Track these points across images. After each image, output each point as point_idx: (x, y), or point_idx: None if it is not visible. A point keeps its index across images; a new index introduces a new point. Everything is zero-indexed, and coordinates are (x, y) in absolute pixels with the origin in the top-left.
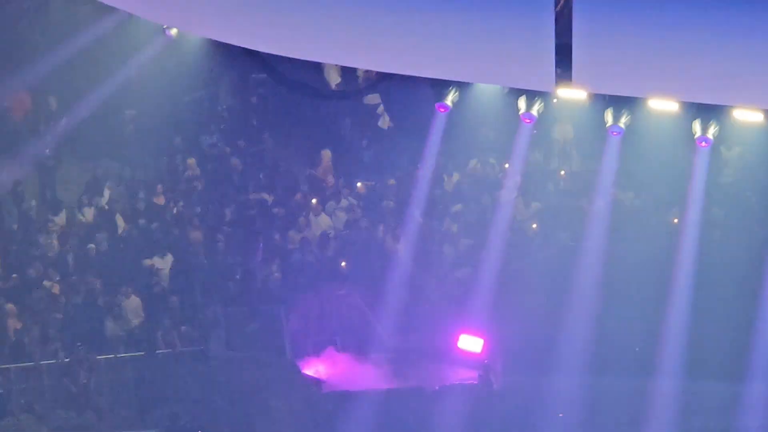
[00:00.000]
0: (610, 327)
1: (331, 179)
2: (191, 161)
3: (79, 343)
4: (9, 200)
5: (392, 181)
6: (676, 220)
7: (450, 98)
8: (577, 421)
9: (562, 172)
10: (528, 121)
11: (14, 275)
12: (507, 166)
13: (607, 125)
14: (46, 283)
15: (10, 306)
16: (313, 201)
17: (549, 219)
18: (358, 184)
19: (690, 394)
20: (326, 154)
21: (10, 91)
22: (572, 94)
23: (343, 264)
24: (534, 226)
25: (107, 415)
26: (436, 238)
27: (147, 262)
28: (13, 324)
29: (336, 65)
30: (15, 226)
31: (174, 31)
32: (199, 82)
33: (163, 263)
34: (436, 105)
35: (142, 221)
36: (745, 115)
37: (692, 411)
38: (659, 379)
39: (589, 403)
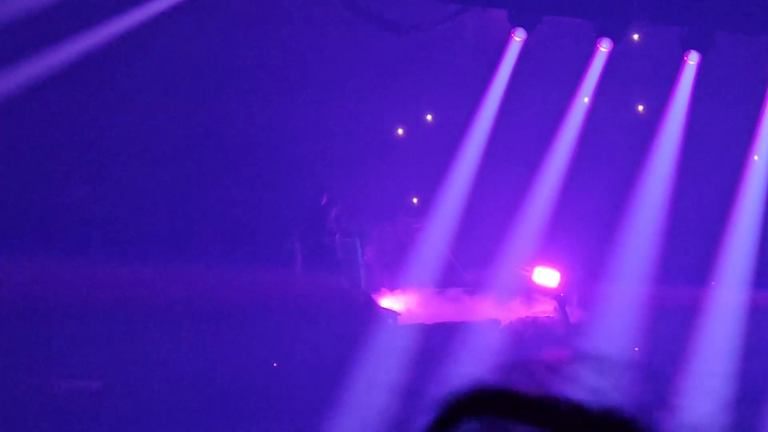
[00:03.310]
0: (673, 267)
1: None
2: None
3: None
4: None
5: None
6: (756, 158)
7: (522, 29)
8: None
9: (641, 108)
10: (603, 49)
11: None
12: (586, 100)
13: (683, 57)
14: None
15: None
16: (399, 131)
17: (623, 152)
18: (429, 117)
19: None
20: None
21: None
22: (649, 27)
23: (414, 200)
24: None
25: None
26: (507, 170)
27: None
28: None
29: None
30: None
31: None
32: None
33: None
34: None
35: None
36: None
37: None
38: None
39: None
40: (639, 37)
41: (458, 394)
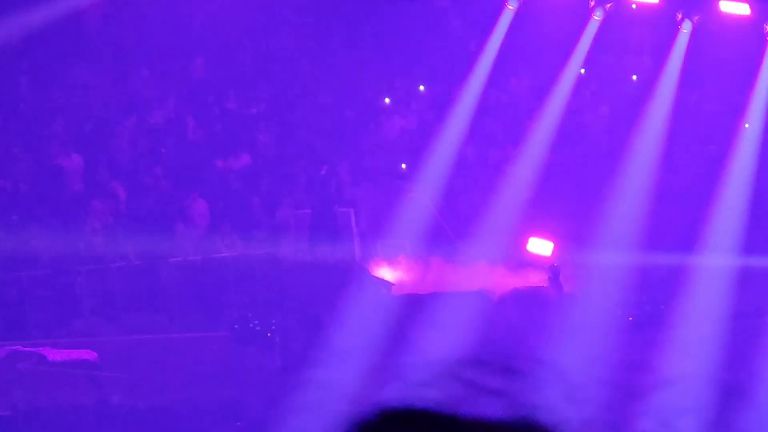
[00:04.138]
0: (663, 235)
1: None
2: None
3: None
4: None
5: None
6: (747, 125)
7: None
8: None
9: (634, 77)
10: (597, 18)
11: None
12: (582, 71)
13: (678, 26)
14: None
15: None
16: (386, 100)
17: (617, 122)
18: (421, 87)
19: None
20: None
21: None
22: None
23: (403, 166)
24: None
25: (177, 317)
26: (501, 140)
27: (218, 163)
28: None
29: None
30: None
31: None
32: None
33: (237, 163)
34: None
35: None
36: None
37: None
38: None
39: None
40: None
41: (366, 420)
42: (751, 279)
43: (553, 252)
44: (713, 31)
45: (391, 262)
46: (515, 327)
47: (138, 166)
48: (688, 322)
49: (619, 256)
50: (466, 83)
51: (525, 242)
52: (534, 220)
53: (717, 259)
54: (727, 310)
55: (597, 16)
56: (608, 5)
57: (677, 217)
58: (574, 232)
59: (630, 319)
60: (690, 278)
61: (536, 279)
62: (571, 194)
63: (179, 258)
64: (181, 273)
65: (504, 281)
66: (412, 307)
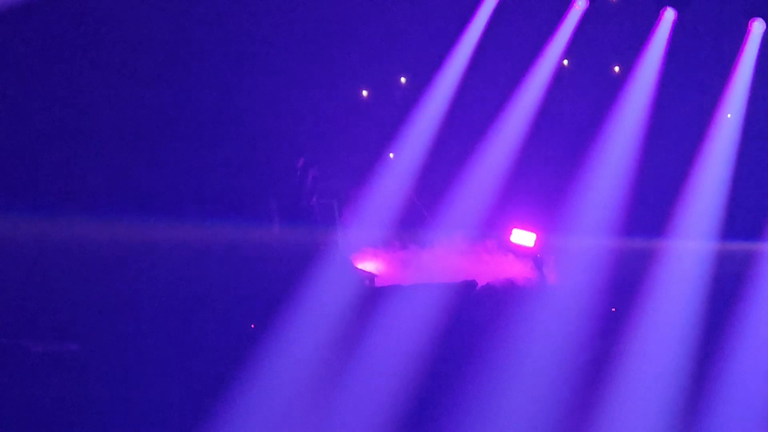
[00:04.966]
0: (643, 220)
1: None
2: None
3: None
4: None
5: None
6: (729, 116)
7: None
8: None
9: (617, 67)
10: (578, 8)
11: None
12: (566, 62)
13: (660, 17)
14: None
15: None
16: (364, 93)
17: (598, 111)
18: (402, 79)
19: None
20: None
21: None
22: None
23: (390, 155)
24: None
25: (162, 309)
26: (483, 129)
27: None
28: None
29: None
30: None
31: None
32: None
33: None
34: None
35: None
36: None
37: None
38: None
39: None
40: None
41: None
42: (729, 264)
43: (536, 243)
44: (695, 20)
45: (373, 253)
46: (497, 317)
47: (121, 158)
48: (664, 308)
49: (600, 243)
50: (446, 72)
51: (508, 233)
52: (516, 210)
53: (695, 245)
54: (704, 295)
55: (579, 5)
56: None
57: (658, 205)
58: (557, 222)
59: (613, 309)
60: (669, 264)
61: (520, 269)
62: (554, 183)
63: (165, 249)
64: (166, 264)
65: (486, 272)
66: (394, 297)
